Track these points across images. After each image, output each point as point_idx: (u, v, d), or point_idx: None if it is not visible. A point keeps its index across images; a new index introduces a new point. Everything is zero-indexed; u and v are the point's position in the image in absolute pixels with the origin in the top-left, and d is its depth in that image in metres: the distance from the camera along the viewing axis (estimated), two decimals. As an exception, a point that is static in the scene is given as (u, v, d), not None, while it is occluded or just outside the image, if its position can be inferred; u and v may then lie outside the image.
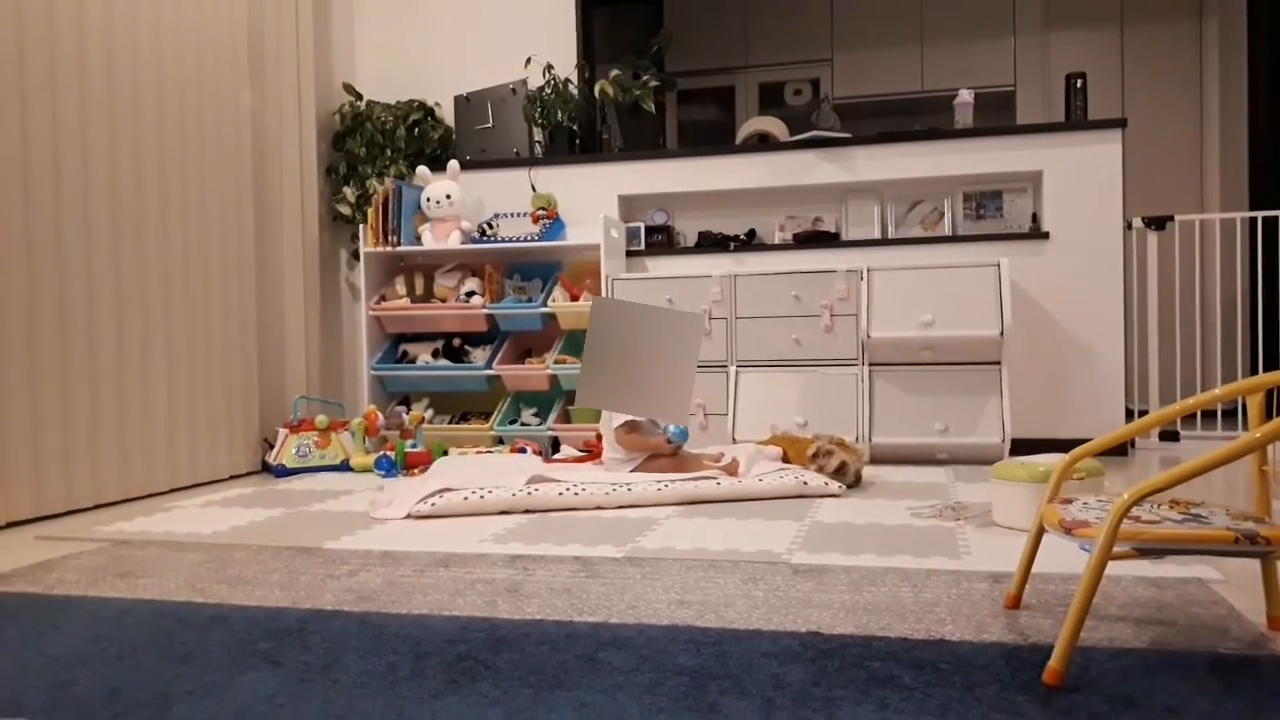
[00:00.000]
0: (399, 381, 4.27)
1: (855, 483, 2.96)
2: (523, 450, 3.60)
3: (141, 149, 3.20)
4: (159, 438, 3.24)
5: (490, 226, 4.16)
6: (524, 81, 4.34)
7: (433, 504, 2.60)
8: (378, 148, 4.42)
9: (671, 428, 3.12)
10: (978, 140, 3.92)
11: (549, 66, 4.31)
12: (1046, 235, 3.83)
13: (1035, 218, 3.95)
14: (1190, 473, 1.23)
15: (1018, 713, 1.18)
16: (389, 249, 4.16)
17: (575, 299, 4.03)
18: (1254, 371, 4.59)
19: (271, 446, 3.71)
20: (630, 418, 2.97)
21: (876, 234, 4.11)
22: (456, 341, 4.24)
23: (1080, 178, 3.80)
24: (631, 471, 2.97)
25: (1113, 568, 1.82)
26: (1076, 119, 3.90)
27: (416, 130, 4.44)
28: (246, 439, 3.69)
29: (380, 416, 3.78)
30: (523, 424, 4.07)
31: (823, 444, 2.97)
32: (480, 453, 3.68)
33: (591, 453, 3.42)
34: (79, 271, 2.94)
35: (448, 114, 4.54)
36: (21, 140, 2.75)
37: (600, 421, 3.09)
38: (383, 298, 4.24)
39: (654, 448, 3.01)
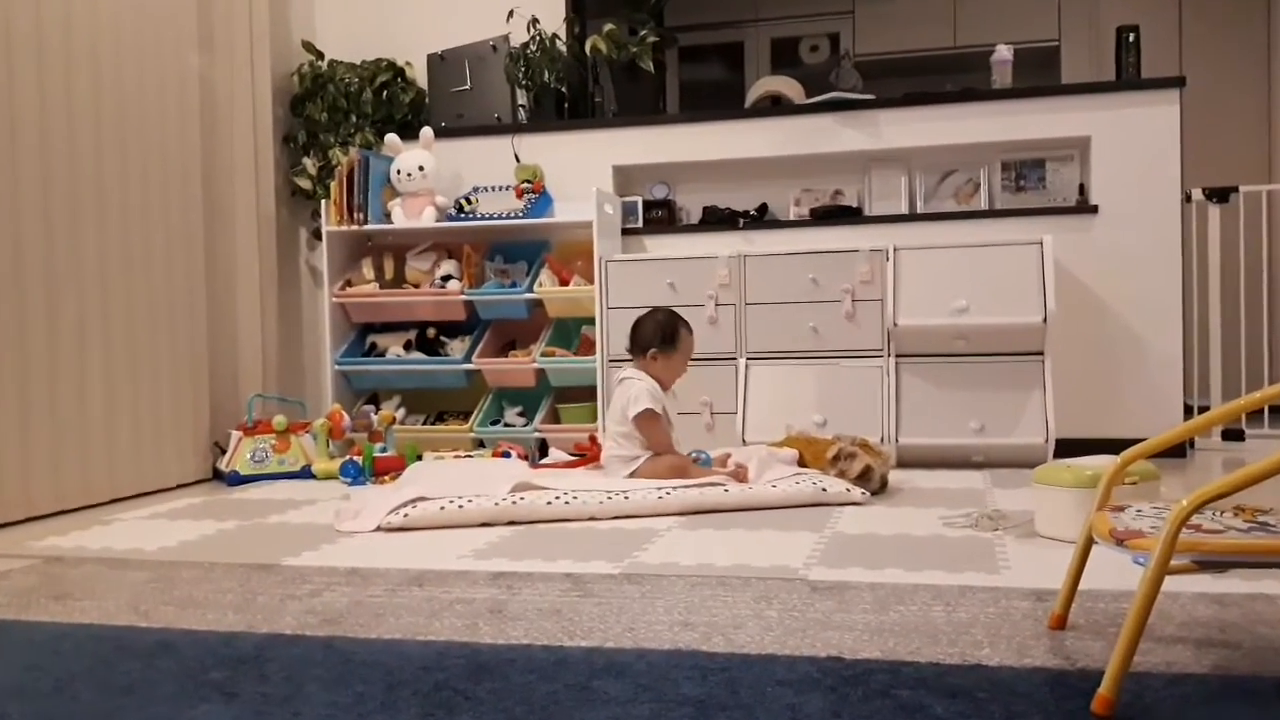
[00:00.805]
0: (366, 377, 4.26)
1: (880, 489, 2.96)
2: (506, 454, 3.60)
3: (76, 118, 3.19)
4: (96, 442, 3.23)
5: (468, 202, 4.16)
6: (506, 38, 4.32)
7: (405, 515, 2.60)
8: (341, 113, 4.40)
9: (692, 452, 3.16)
10: (1017, 102, 3.91)
11: (534, 20, 4.30)
12: (1095, 209, 3.82)
13: (1082, 189, 3.95)
14: (1257, 476, 1.23)
15: (1063, 746, 1.18)
16: (354, 228, 4.15)
17: (565, 283, 4.03)
18: (1328, 362, 4.59)
19: (224, 451, 3.71)
20: (650, 405, 2.98)
21: (904, 208, 4.11)
22: (431, 332, 4.23)
23: (1133, 144, 3.79)
24: (629, 475, 2.97)
25: (1170, 583, 1.82)
26: (1128, 78, 3.89)
27: (385, 93, 4.42)
28: (195, 443, 3.69)
29: (345, 417, 3.78)
30: (506, 424, 4.07)
31: (844, 446, 2.97)
32: (459, 457, 3.68)
33: (584, 457, 3.42)
34: (4, 255, 2.93)
35: (420, 75, 4.53)
36: (-62, 107, 2.74)
37: (610, 414, 3.09)
38: (348, 283, 4.24)
39: (672, 450, 3.02)
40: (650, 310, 3.21)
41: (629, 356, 3.20)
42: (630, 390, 3.02)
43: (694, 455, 3.15)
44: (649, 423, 2.99)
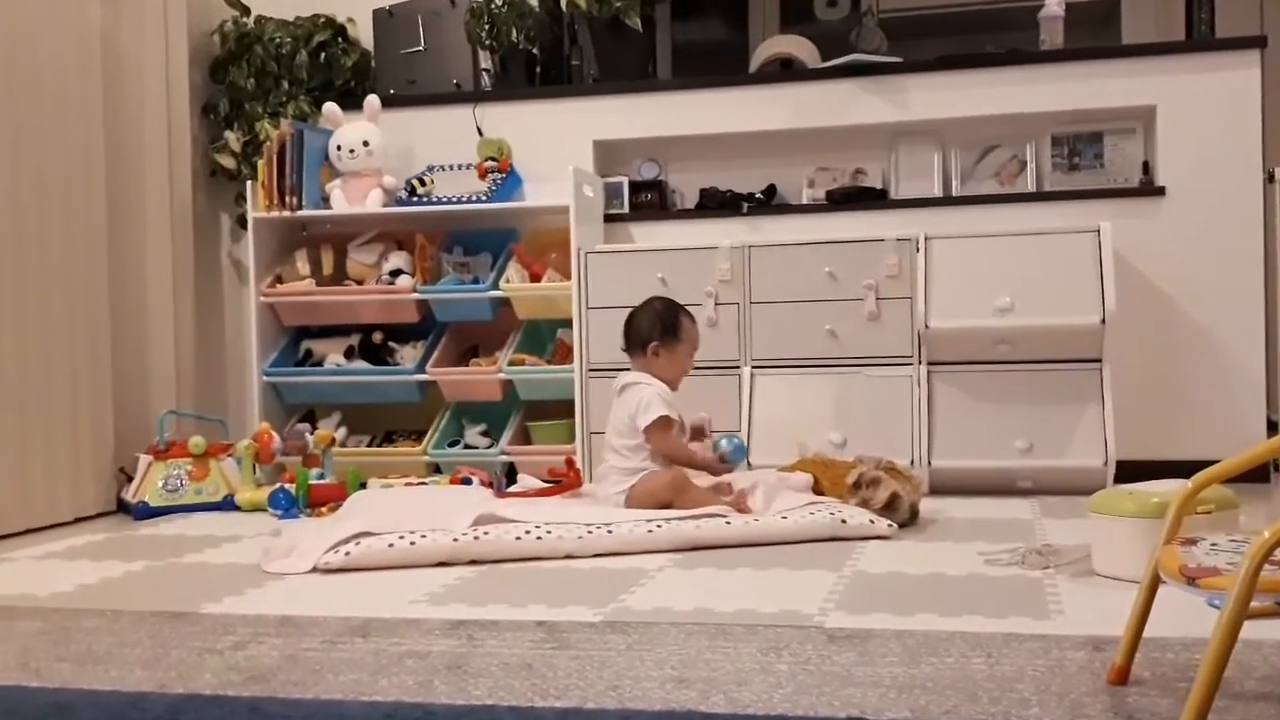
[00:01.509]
0: (301, 390, 4.25)
1: (910, 520, 2.97)
2: (467, 481, 3.60)
3: (-47, 81, 3.18)
4: (-21, 468, 3.22)
5: (422, 183, 4.16)
6: (466, -11, 4.33)
7: (347, 553, 2.59)
8: (271, 79, 4.39)
9: (724, 441, 3.16)
10: (1070, 66, 3.92)
11: (500, -31, 4.31)
12: (1162, 191, 3.84)
13: (1146, 167, 3.97)
14: (1351, 501, 1.24)
15: (1125, 821, 1.18)
16: (286, 214, 4.14)
17: (536, 279, 4.03)
18: None
19: (130, 478, 3.69)
20: (666, 412, 3.00)
21: (936, 190, 4.12)
22: (378, 336, 4.22)
23: (1206, 115, 3.81)
24: (627, 490, 2.98)
25: (1250, 629, 1.82)
26: (1201, 37, 3.93)
27: (322, 55, 4.42)
28: (96, 469, 3.67)
29: (275, 438, 3.77)
30: (467, 446, 4.06)
31: (867, 470, 2.97)
32: (410, 485, 3.67)
33: (560, 483, 3.42)
34: None
35: (364, 33, 4.53)
36: None
37: (612, 425, 3.10)
38: (278, 279, 4.23)
39: (699, 464, 3.04)
40: (644, 301, 3.24)
41: (626, 360, 3.21)
42: (640, 396, 3.04)
43: (721, 446, 3.13)
44: (664, 432, 3.02)
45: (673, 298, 3.31)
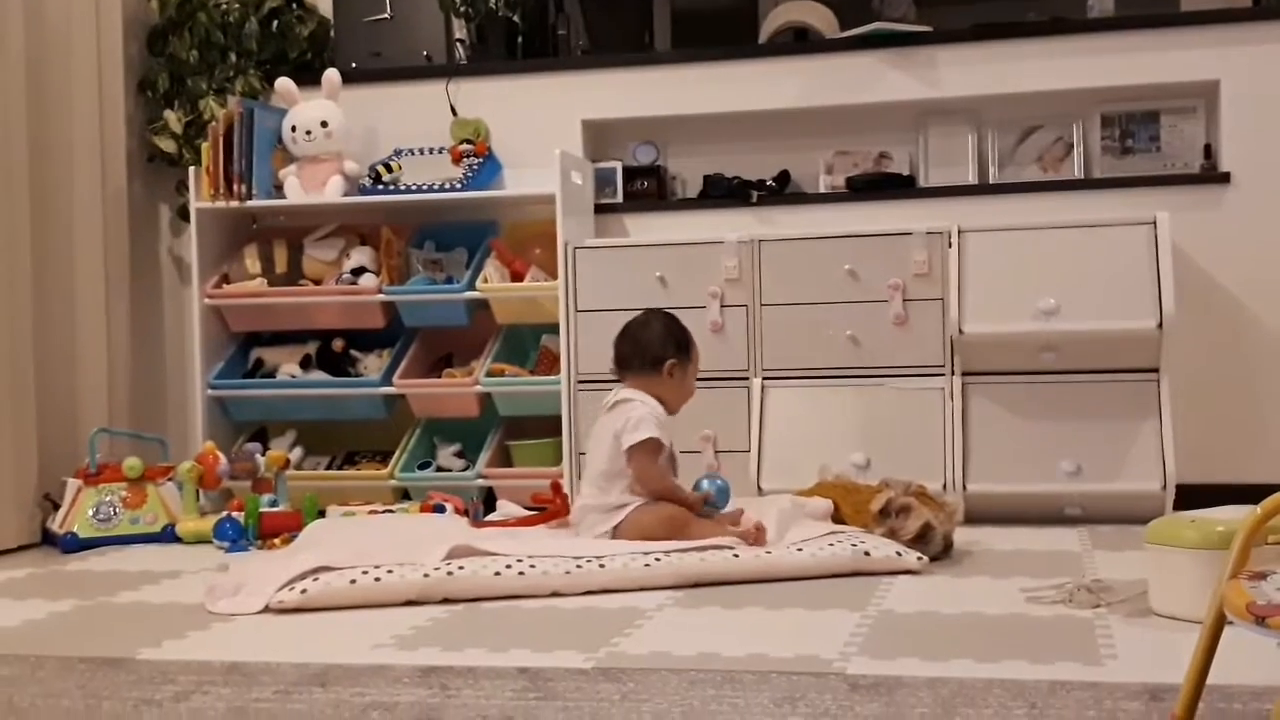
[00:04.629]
0: (251, 405, 4.24)
1: (943, 552, 2.97)
2: (439, 508, 3.60)
3: None
4: (-116, 494, 3.22)
5: (388, 169, 4.16)
6: (438, -51, 4.34)
7: (303, 591, 2.59)
8: (216, 51, 4.39)
9: (705, 482, 3.12)
10: (1122, 35, 3.93)
11: (476, -74, 4.32)
12: (1226, 177, 3.85)
13: (1209, 151, 3.97)
14: None
15: None
16: (234, 204, 4.14)
17: (518, 278, 4.03)
18: None
19: (57, 506, 3.69)
20: (656, 434, 2.97)
21: (971, 177, 4.12)
22: (338, 344, 4.22)
23: (1276, 91, 3.82)
24: (610, 531, 2.98)
25: (1328, 676, 1.83)
26: (1271, 2, 3.92)
27: (275, 24, 4.42)
28: (17, 496, 3.66)
29: (222, 459, 3.76)
30: (439, 468, 4.06)
31: (895, 495, 2.97)
32: (375, 513, 3.66)
33: (544, 511, 3.42)
34: None
35: (323, -1, 4.54)
36: None
37: (593, 449, 3.08)
38: (225, 278, 4.23)
39: (679, 497, 3.02)
40: (644, 315, 3.20)
41: (616, 377, 3.17)
42: (630, 413, 3.01)
43: (704, 487, 3.10)
44: (649, 457, 2.98)
45: (667, 309, 3.25)
